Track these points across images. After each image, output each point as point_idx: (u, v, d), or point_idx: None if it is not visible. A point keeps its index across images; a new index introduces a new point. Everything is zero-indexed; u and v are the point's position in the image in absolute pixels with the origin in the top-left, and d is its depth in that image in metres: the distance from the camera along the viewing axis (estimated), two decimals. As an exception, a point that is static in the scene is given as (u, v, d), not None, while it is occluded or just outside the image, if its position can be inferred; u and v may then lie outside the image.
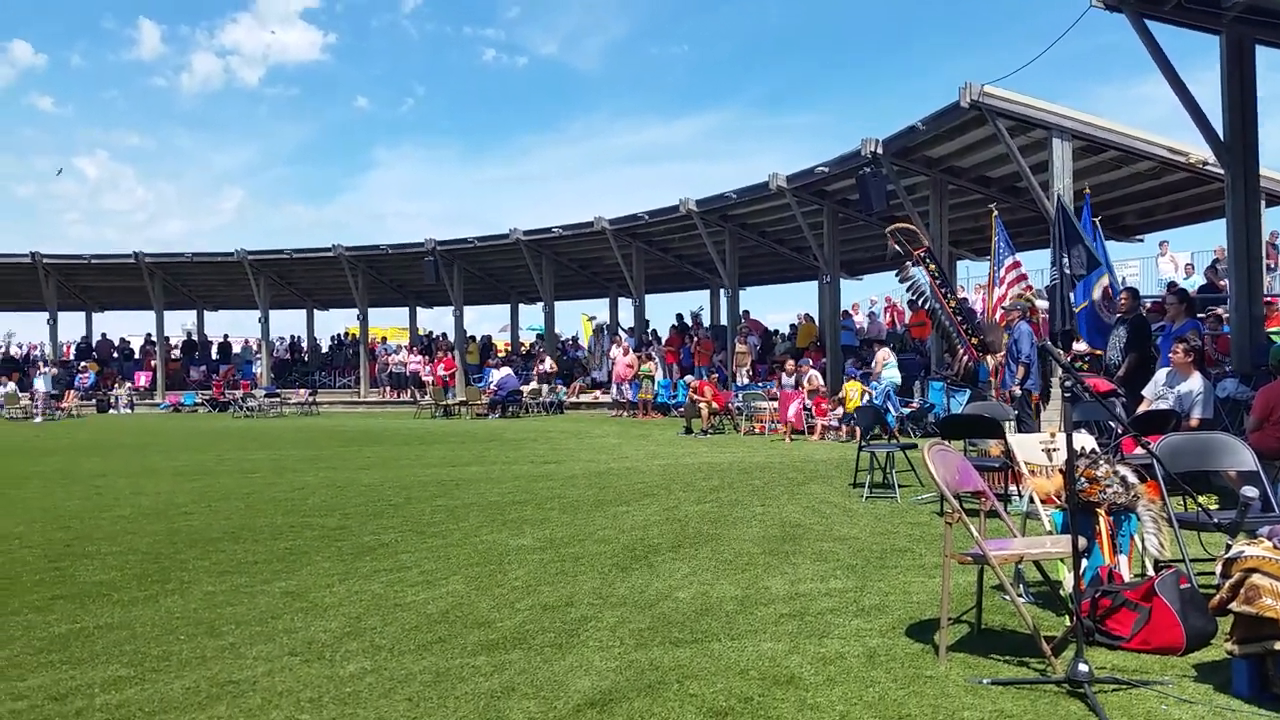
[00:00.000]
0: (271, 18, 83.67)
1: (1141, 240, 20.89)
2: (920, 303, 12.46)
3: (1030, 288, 12.15)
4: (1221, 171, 11.53)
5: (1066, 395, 4.21)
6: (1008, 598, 4.63)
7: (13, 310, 38.73)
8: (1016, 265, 11.73)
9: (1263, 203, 11.50)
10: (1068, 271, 11.71)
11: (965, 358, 12.16)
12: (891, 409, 15.60)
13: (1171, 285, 17.85)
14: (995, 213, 11.98)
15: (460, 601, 5.53)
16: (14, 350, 40.48)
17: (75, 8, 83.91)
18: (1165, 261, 21.27)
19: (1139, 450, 6.86)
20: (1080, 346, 12.72)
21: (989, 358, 11.58)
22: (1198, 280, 18.75)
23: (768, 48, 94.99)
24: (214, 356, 37.71)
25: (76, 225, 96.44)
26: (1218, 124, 11.11)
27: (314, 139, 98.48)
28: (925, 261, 11.94)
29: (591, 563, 6.51)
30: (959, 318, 12.01)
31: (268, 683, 4.17)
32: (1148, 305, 13.56)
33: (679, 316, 29.13)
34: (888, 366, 17.31)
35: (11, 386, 31.05)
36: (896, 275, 12.99)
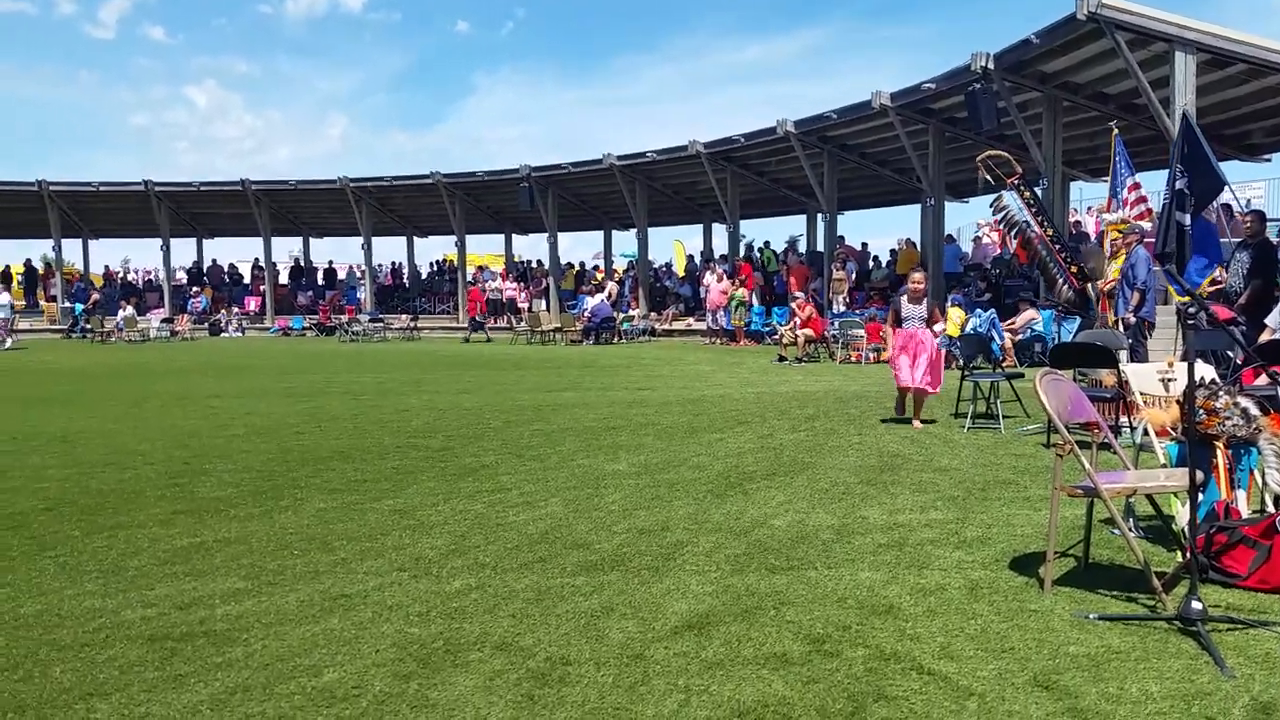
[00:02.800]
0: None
1: (1269, 160, 19.70)
2: (1014, 233, 12.02)
3: (1150, 210, 11.58)
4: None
5: (1188, 322, 4.02)
6: (1117, 532, 4.51)
7: (129, 237, 40.48)
8: (1137, 187, 11.19)
9: None
10: (1184, 190, 11.11)
11: (1064, 287, 11.72)
12: (996, 337, 15.18)
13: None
14: (1116, 131, 11.40)
15: (559, 523, 5.63)
16: (131, 276, 42.26)
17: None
18: (1296, 182, 20.04)
19: (1262, 380, 6.54)
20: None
21: (1091, 285, 11.12)
22: (1331, 202, 17.63)
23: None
24: (320, 282, 38.77)
25: (188, 154, 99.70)
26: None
27: (415, 64, 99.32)
28: (1020, 189, 11.50)
29: (686, 489, 6.54)
30: (1057, 246, 11.57)
31: (378, 597, 4.32)
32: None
33: (749, 246, 28.89)
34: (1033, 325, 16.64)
35: (130, 310, 32.48)
36: (991, 205, 12.56)
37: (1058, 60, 16.36)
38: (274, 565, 4.87)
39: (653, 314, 29.02)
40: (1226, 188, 11.93)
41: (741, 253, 28.17)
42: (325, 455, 8.15)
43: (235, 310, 35.91)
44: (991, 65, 17.00)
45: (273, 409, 11.65)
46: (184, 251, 39.70)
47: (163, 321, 33.55)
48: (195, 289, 37.07)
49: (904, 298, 9.67)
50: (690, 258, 33.14)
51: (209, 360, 22.01)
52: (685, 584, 4.43)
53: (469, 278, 34.47)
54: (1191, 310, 4.04)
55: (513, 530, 5.48)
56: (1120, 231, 10.58)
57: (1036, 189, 17.87)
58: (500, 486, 6.74)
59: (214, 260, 40.05)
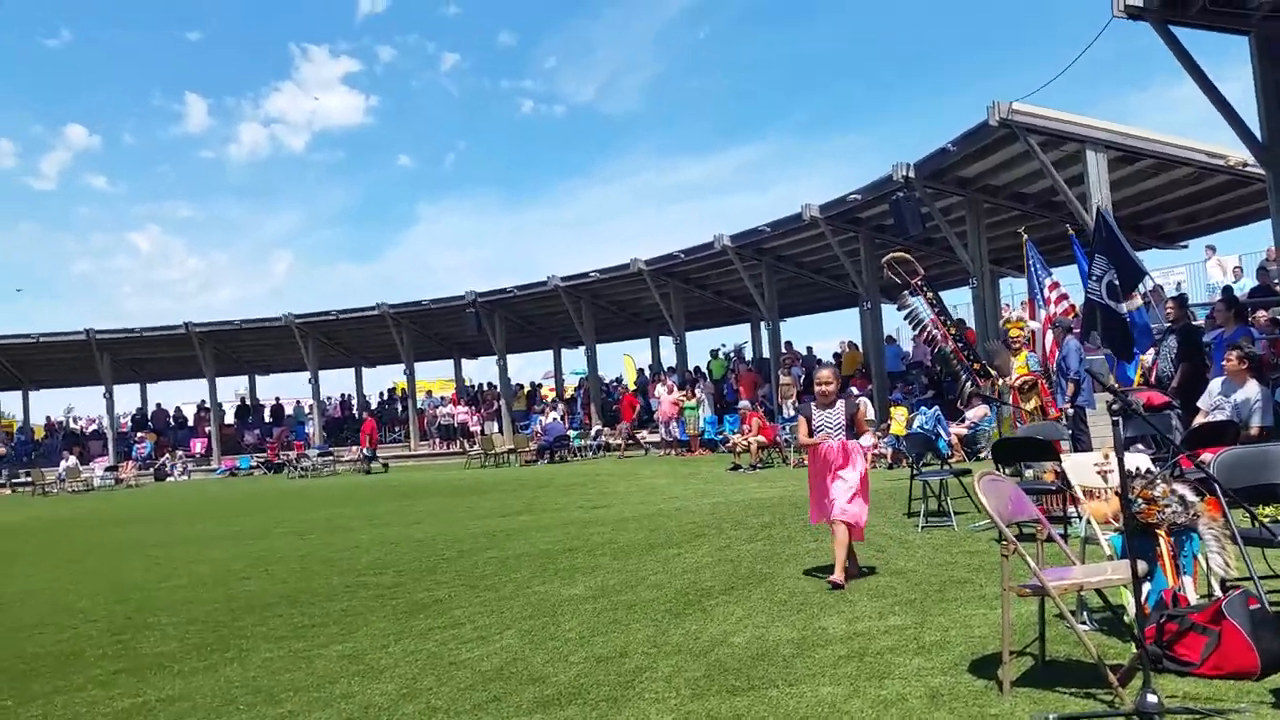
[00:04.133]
0: (314, 84, 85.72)
1: (1185, 247, 20.50)
2: (919, 331, 12.45)
3: (1074, 306, 11.93)
4: (1263, 172, 11.32)
5: (1115, 416, 4.13)
6: (1071, 627, 4.51)
7: (72, 386, 39.82)
8: (1056, 285, 11.55)
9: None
10: (1113, 282, 11.48)
11: (968, 383, 12.02)
12: (942, 434, 15.39)
13: (1226, 290, 17.49)
14: (1025, 237, 11.80)
15: (514, 657, 5.51)
16: (74, 424, 41.41)
17: (125, 86, 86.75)
18: (1213, 266, 20.87)
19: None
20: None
21: (1001, 380, 11.36)
22: (1248, 283, 18.34)
23: (800, 76, 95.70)
24: (267, 419, 38.30)
25: (131, 298, 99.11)
26: (1255, 123, 10.92)
27: (359, 199, 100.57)
28: (924, 290, 11.88)
29: (644, 610, 6.45)
30: (959, 344, 11.92)
31: (326, 751, 4.17)
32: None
33: (722, 355, 29.46)
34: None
35: (73, 460, 31.73)
36: (896, 305, 12.96)
37: (975, 165, 17.05)
38: (218, 724, 4.69)
39: (606, 429, 29.00)
40: (1147, 277, 12.36)
41: (725, 359, 28.80)
42: (272, 601, 7.92)
43: (180, 454, 35.24)
44: (912, 174, 17.65)
45: (218, 555, 11.35)
46: (128, 397, 39.16)
47: (106, 470, 32.80)
48: (139, 435, 36.38)
49: (813, 404, 7.31)
50: (640, 370, 33.37)
51: (153, 507, 21.45)
52: (645, 714, 4.33)
53: (419, 404, 34.31)
54: (1115, 407, 4.15)
55: (466, 668, 5.35)
56: (1020, 328, 10.85)
57: (968, 286, 18.47)
58: (454, 621, 6.59)
59: (158, 404, 39.50)
